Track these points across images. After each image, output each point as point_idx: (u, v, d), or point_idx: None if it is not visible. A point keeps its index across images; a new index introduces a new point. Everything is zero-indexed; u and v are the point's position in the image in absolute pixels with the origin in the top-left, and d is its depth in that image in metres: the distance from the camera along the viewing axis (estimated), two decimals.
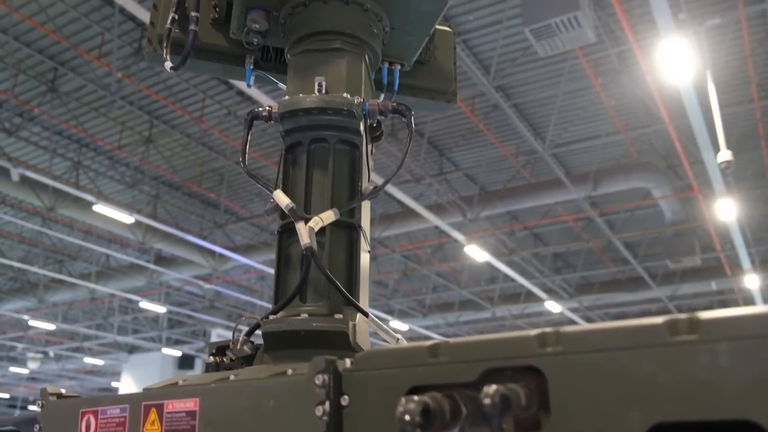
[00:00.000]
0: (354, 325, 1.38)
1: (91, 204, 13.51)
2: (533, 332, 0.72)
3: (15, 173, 12.17)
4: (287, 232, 1.57)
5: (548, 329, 0.71)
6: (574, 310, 21.44)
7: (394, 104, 1.62)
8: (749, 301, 20.71)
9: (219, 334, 22.40)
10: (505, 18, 9.43)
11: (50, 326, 23.45)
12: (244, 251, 16.43)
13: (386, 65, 1.85)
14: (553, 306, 19.83)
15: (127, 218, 14.01)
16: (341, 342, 1.36)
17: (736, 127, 11.46)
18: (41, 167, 13.88)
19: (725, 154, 8.19)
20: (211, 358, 1.51)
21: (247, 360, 1.41)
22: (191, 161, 14.36)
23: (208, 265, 17.05)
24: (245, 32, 1.75)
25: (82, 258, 19.49)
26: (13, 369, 31.84)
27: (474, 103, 11.87)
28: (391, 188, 12.23)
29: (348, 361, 0.90)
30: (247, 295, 20.91)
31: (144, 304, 21.09)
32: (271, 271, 16.29)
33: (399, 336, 1.47)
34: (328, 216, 1.49)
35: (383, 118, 1.64)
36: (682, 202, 14.66)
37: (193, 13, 1.74)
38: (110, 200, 14.61)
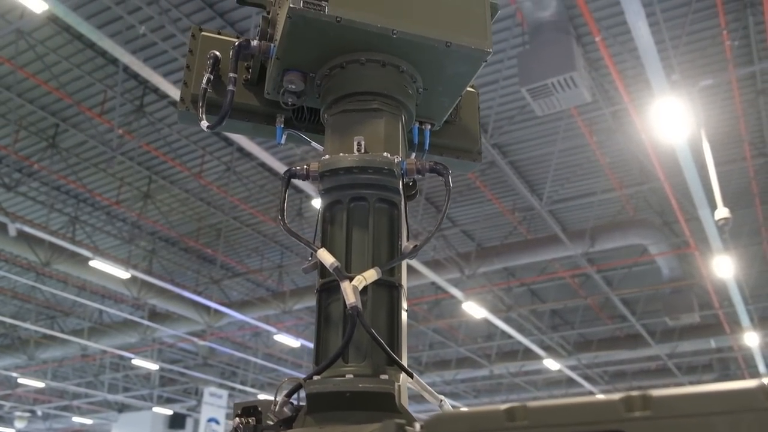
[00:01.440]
0: (399, 386, 1.36)
1: (86, 259, 13.41)
2: (617, 396, 0.70)
3: (12, 228, 12.12)
4: (326, 291, 1.55)
5: (634, 393, 0.70)
6: (572, 368, 21.18)
7: (432, 163, 1.64)
8: (749, 359, 20.52)
9: (212, 392, 21.96)
10: (502, 78, 9.63)
11: (39, 384, 22.95)
12: (240, 307, 16.27)
13: (417, 125, 1.87)
14: (551, 364, 19.59)
15: (123, 274, 13.89)
16: (387, 403, 1.33)
17: (731, 185, 11.59)
18: (38, 222, 13.85)
19: (723, 212, 8.25)
20: (237, 419, 1.47)
21: (287, 422, 1.38)
22: (189, 216, 14.36)
23: (202, 321, 16.84)
24: (281, 93, 1.77)
25: (75, 314, 19.24)
26: None
27: None
28: None
29: (418, 426, 0.88)
30: (241, 352, 20.60)
31: (137, 361, 20.72)
32: (266, 327, 16.08)
33: (442, 397, 1.44)
34: (371, 275, 1.48)
35: (420, 176, 1.65)
36: (679, 258, 14.68)
37: (231, 74, 1.77)
38: (106, 255, 14.53)
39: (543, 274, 16.14)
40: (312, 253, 1.59)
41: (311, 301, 16.00)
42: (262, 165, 12.48)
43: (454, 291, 14.25)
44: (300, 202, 13.66)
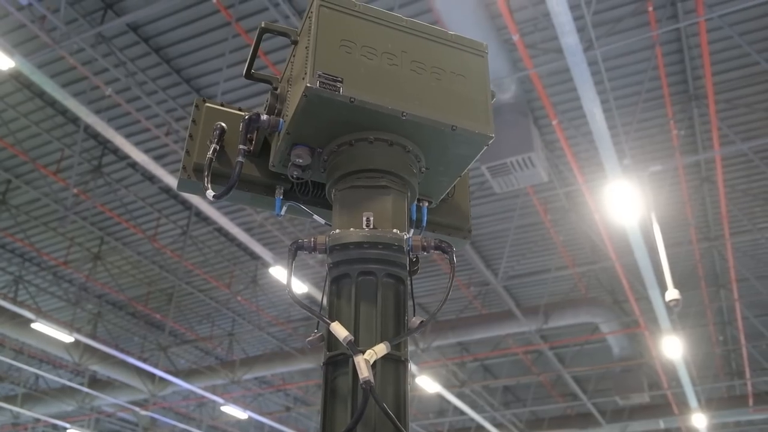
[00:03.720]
0: None
1: (28, 321, 12.86)
2: None
3: None
4: (333, 364, 1.56)
5: None
6: None
7: (437, 241, 1.68)
8: None
9: None
10: None
11: None
12: (186, 376, 15.72)
13: (415, 202, 1.93)
14: None
15: (66, 337, 13.33)
16: None
17: (677, 267, 11.94)
18: None
19: (673, 293, 8.47)
20: None
21: None
22: (139, 280, 14.01)
23: (146, 390, 16.17)
24: (288, 166, 1.82)
25: (10, 379, 18.27)
26: None
27: None
28: None
29: None
30: (184, 423, 19.75)
31: (72, 431, 19.63)
32: (213, 397, 15.46)
33: None
34: (381, 349, 1.49)
35: (425, 253, 1.68)
36: (629, 338, 14.89)
37: (241, 146, 1.82)
38: (49, 317, 13.98)
39: (496, 350, 16.14)
40: (318, 324, 1.61)
41: (261, 371, 15.59)
42: (219, 230, 12.37)
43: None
44: (255, 269, 13.51)
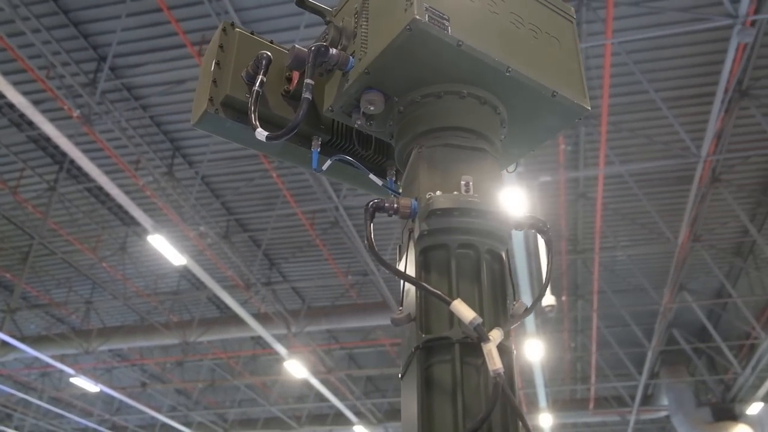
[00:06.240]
0: None
1: None
2: None
3: None
4: (427, 350, 1.34)
5: None
6: None
7: (532, 218, 1.51)
8: None
9: None
10: None
11: None
12: (33, 342, 14.49)
13: None
14: (360, 430, 19.57)
15: None
16: None
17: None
18: None
19: (550, 299, 8.90)
20: None
21: None
22: None
23: None
24: (355, 113, 1.56)
25: None
26: None
27: (315, 217, 11.98)
28: (220, 292, 11.67)
29: None
30: (23, 392, 18.26)
31: None
32: (61, 366, 14.36)
33: None
34: (497, 336, 1.30)
35: (519, 231, 1.54)
36: None
37: (308, 80, 1.53)
38: None
39: (366, 341, 16.28)
40: (403, 301, 1.42)
41: (120, 343, 14.74)
42: (89, 190, 11.52)
43: (279, 347, 13.88)
44: (125, 235, 12.71)
